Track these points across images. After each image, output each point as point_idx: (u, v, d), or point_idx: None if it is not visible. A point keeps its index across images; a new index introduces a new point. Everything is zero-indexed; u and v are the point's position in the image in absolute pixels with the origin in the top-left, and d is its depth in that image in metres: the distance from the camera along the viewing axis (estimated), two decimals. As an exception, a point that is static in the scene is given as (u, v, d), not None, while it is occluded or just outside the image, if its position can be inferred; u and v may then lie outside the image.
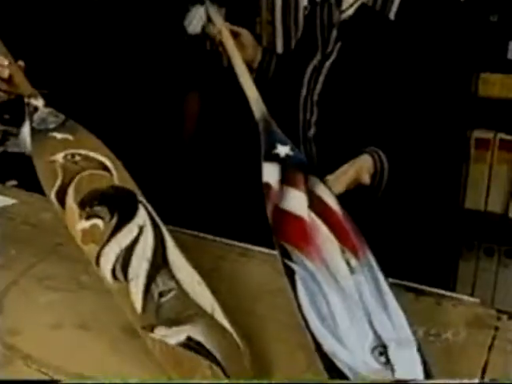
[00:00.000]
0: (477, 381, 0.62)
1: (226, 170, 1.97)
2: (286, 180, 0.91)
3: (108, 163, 1.04)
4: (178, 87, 1.69)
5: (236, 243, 1.21)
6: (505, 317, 0.95)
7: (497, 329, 0.91)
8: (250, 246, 1.19)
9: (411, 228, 1.32)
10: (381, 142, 1.09)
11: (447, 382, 0.63)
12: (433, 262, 1.45)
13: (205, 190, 1.80)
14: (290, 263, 0.80)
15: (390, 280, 1.06)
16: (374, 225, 1.23)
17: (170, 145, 1.68)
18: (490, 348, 0.86)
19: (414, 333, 0.75)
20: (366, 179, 1.01)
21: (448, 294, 1.02)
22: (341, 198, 0.94)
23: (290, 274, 0.78)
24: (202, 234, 1.27)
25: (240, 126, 1.81)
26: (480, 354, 0.84)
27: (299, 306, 0.75)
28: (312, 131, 1.22)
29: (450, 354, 0.85)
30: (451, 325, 0.92)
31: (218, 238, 1.25)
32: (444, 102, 1.19)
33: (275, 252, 0.84)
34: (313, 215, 0.87)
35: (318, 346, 0.71)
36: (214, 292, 1.02)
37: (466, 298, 1.01)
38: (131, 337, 0.84)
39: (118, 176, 1.02)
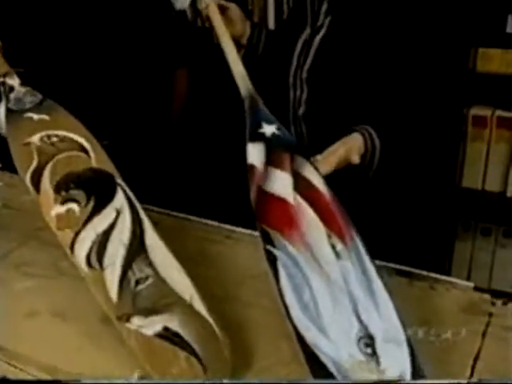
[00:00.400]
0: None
1: (215, 150, 1.93)
2: (271, 161, 0.87)
3: (86, 144, 1.00)
4: (166, 64, 1.64)
5: (222, 225, 1.17)
6: (499, 302, 0.91)
7: (491, 315, 0.88)
8: (236, 228, 1.15)
9: (405, 208, 1.27)
10: (373, 119, 1.04)
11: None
12: (428, 243, 1.41)
13: (192, 171, 1.76)
14: (272, 249, 0.75)
15: (383, 263, 1.03)
16: (365, 206, 1.20)
17: (157, 124, 1.63)
18: (484, 335, 0.82)
19: (403, 322, 0.70)
20: (356, 159, 0.97)
21: (442, 277, 0.98)
22: (330, 179, 0.90)
23: (272, 260, 0.74)
24: (187, 216, 1.23)
25: (231, 105, 1.76)
26: (473, 342, 0.81)
27: (281, 294, 0.71)
28: (302, 109, 1.17)
29: (441, 340, 0.81)
30: (444, 312, 0.89)
31: (204, 220, 1.21)
32: (440, 78, 1.14)
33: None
34: (298, 198, 0.82)
35: (300, 337, 0.67)
36: (198, 277, 0.99)
37: (459, 282, 0.97)
38: (110, 326, 0.80)
39: (96, 158, 0.97)
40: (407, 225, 1.29)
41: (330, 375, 0.64)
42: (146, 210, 1.27)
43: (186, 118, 1.73)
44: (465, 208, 1.70)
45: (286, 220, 0.79)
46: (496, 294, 0.93)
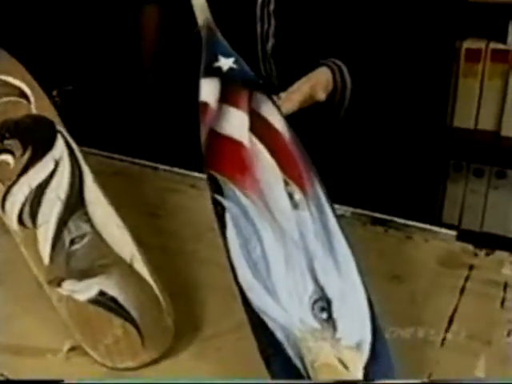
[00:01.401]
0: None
1: (189, 95, 1.81)
2: (226, 98, 0.77)
3: (26, 90, 0.90)
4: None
5: (189, 173, 1.08)
6: (482, 253, 0.83)
7: (471, 267, 0.79)
8: (203, 176, 1.06)
9: (390, 150, 1.18)
10: (346, 53, 0.93)
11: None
12: (417, 186, 1.33)
13: (165, 117, 1.65)
14: (220, 198, 0.66)
15: (357, 211, 0.95)
16: (341, 149, 1.10)
17: (125, 67, 1.52)
18: (462, 291, 0.74)
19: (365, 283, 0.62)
20: (321, 95, 0.86)
21: (422, 226, 0.90)
22: (295, 119, 0.81)
23: (220, 211, 0.65)
24: (154, 164, 1.15)
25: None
26: (449, 299, 0.73)
27: (227, 250, 0.62)
28: (270, 43, 1.06)
29: (414, 298, 0.74)
30: (419, 265, 0.81)
31: (169, 168, 1.12)
32: (429, 8, 1.02)
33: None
34: (254, 139, 0.73)
35: (246, 300, 0.59)
36: (155, 231, 0.91)
37: (441, 230, 0.89)
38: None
39: (36, 104, 0.88)
40: (393, 168, 1.21)
41: (277, 344, 0.56)
42: (108, 158, 1.20)
43: (159, 59, 1.61)
44: (456, 148, 1.60)
45: (239, 165, 0.69)
46: (482, 241, 0.85)
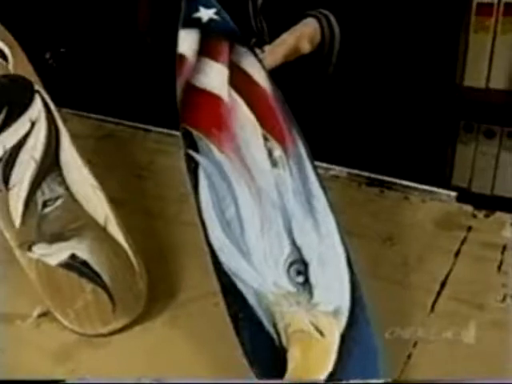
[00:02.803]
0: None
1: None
2: (205, 50, 0.72)
3: (5, 49, 0.86)
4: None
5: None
6: (481, 214, 0.78)
7: (469, 229, 0.75)
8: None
9: (396, 109, 1.13)
10: (337, 2, 0.88)
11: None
12: (425, 148, 1.28)
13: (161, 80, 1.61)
14: (193, 154, 0.62)
15: (353, 171, 0.91)
16: (342, 107, 1.05)
17: (119, 30, 1.47)
18: (457, 254, 0.70)
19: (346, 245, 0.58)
20: (306, 46, 0.82)
21: (420, 186, 0.86)
22: (282, 73, 0.76)
23: (194, 168, 0.62)
24: (146, 126, 1.11)
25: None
26: (443, 262, 0.69)
27: (199, 209, 0.59)
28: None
29: (407, 261, 0.70)
30: (415, 226, 0.77)
31: (160, 130, 1.08)
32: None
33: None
34: (233, 93, 0.68)
35: (217, 262, 0.55)
36: (141, 194, 0.88)
37: (440, 191, 0.84)
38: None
39: (15, 64, 0.84)
40: (398, 129, 1.16)
41: (249, 308, 0.53)
42: (102, 120, 1.17)
43: (155, 23, 1.56)
44: (467, 109, 1.54)
45: (216, 120, 0.65)
46: (482, 203, 0.81)
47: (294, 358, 0.50)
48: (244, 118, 0.66)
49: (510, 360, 0.55)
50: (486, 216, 0.78)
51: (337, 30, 0.85)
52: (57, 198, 0.68)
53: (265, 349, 0.51)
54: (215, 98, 0.68)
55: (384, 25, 0.94)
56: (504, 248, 0.71)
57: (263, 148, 0.64)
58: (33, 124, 0.75)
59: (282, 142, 0.64)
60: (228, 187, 0.60)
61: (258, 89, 0.70)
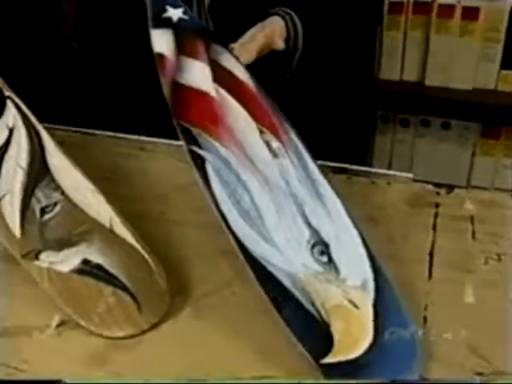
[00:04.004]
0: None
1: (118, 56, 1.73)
2: (182, 49, 0.73)
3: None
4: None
5: (131, 137, 1.04)
6: (443, 191, 0.85)
7: (437, 205, 0.82)
8: (147, 139, 1.02)
9: (323, 102, 1.19)
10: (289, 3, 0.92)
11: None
12: (348, 137, 1.35)
13: (97, 83, 1.57)
14: (197, 150, 0.64)
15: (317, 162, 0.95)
16: (286, 99, 1.09)
17: (45, 35, 1.43)
18: (434, 228, 0.77)
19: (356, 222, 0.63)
20: (280, 43, 0.85)
21: (380, 171, 0.92)
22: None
23: (200, 163, 0.63)
24: (94, 131, 1.09)
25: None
26: (425, 236, 0.75)
27: (215, 203, 0.61)
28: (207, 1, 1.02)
29: (393, 238, 0.75)
30: (390, 207, 0.82)
31: (112, 134, 1.07)
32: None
33: (181, 142, 0.68)
34: (221, 90, 0.70)
35: (245, 251, 0.58)
36: (114, 197, 0.87)
37: (398, 173, 0.91)
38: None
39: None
40: (325, 119, 1.22)
41: (286, 291, 0.55)
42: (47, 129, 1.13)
43: (81, 25, 1.52)
44: (383, 100, 1.64)
45: (210, 116, 0.67)
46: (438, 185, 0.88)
47: (337, 330, 0.54)
48: (236, 113, 0.69)
49: (508, 312, 0.62)
50: (448, 193, 0.85)
51: (299, 26, 0.89)
52: (55, 204, 0.67)
53: (309, 326, 0.54)
54: (204, 95, 0.70)
55: (322, 23, 0.99)
56: (472, 219, 0.78)
57: (261, 140, 0.67)
58: (11, 131, 0.73)
59: (276, 134, 0.67)
60: (238, 180, 0.63)
61: (242, 85, 0.72)
